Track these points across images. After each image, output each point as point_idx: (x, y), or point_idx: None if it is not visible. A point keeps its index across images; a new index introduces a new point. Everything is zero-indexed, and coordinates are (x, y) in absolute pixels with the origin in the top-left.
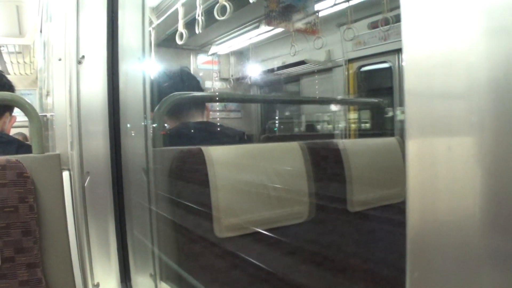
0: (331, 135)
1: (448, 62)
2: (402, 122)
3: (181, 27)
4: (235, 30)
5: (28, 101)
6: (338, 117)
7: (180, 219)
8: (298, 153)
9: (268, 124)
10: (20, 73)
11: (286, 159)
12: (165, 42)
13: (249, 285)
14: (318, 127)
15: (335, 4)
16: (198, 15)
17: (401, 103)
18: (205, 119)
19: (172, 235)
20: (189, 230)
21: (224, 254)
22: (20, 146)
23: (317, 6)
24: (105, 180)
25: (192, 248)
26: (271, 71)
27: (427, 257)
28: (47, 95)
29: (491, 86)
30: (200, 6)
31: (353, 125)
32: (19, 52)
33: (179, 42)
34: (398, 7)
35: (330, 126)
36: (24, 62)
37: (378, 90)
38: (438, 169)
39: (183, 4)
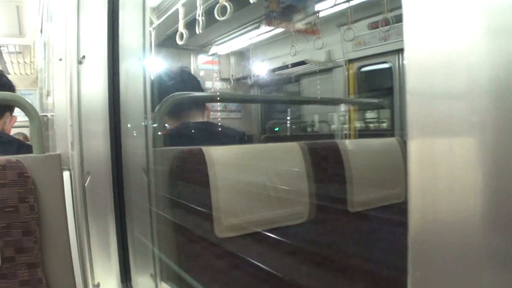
0: (331, 135)
1: (449, 62)
2: (402, 122)
3: (181, 27)
4: (236, 30)
5: (29, 101)
6: (338, 117)
7: (180, 219)
8: (298, 153)
9: (269, 125)
10: (20, 73)
11: (286, 160)
12: (166, 42)
13: (249, 285)
14: (319, 127)
15: (335, 5)
16: (199, 15)
17: (401, 104)
18: (205, 119)
19: (172, 235)
20: (189, 230)
21: (224, 254)
22: (21, 146)
23: (317, 7)
24: (106, 180)
25: (192, 248)
26: (272, 71)
27: (428, 257)
28: (48, 95)
29: (493, 87)
30: (200, 6)
31: (353, 126)
32: (20, 52)
33: (179, 42)
34: (398, 7)
35: (329, 127)
36: (25, 62)
37: (379, 90)
38: (439, 169)
39: (183, 4)
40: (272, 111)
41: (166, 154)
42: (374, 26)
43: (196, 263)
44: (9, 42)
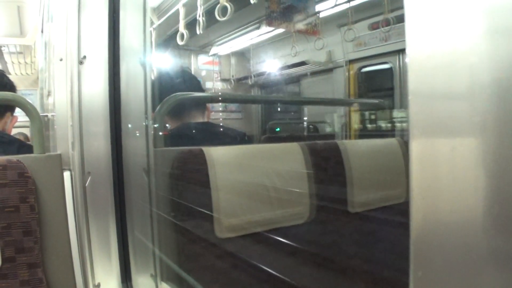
0: (332, 136)
1: (451, 62)
2: (403, 123)
3: (182, 28)
4: (236, 30)
5: (29, 101)
6: (338, 118)
7: (181, 219)
8: (298, 153)
9: (269, 125)
10: (21, 73)
11: (286, 160)
12: (166, 42)
13: (249, 286)
14: (319, 128)
15: (335, 5)
16: (199, 16)
17: (402, 104)
18: (206, 120)
19: (173, 235)
20: (189, 231)
21: (224, 254)
22: (21, 146)
23: (318, 7)
24: (106, 180)
25: (192, 249)
26: (272, 72)
27: (430, 257)
28: (48, 95)
29: (495, 87)
30: (201, 7)
31: (353, 126)
32: (20, 52)
33: (180, 42)
34: (398, 8)
35: (330, 127)
36: (25, 62)
37: (379, 91)
38: (441, 170)
39: (184, 5)
40: (272, 112)
41: (166, 154)
42: (374, 26)
43: (196, 264)
44: (10, 42)
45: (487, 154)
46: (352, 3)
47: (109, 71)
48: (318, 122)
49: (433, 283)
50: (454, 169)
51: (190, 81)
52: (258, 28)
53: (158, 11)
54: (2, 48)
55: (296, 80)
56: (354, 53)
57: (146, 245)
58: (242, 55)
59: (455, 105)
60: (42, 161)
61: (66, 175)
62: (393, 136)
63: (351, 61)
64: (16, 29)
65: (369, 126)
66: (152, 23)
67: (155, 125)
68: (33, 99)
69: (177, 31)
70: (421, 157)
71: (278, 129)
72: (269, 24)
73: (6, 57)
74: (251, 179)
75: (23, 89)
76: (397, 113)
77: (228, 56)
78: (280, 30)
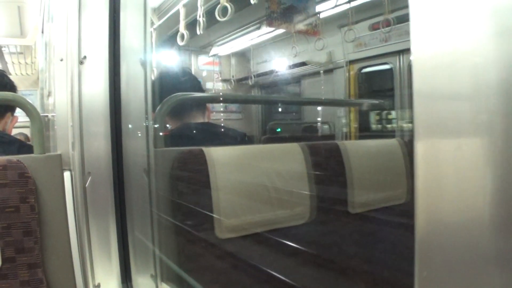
0: (332, 137)
1: (456, 63)
2: (403, 123)
3: (182, 28)
4: (236, 31)
5: (30, 101)
6: (338, 118)
7: (181, 219)
8: (299, 154)
9: (269, 126)
10: (21, 73)
11: (287, 160)
12: (167, 43)
13: (250, 286)
14: (320, 128)
15: (336, 6)
16: (200, 16)
17: (402, 105)
18: (206, 120)
19: (173, 235)
20: (190, 231)
21: (225, 255)
22: (22, 146)
23: (318, 8)
24: (106, 181)
25: (193, 249)
26: (272, 72)
27: (435, 257)
28: (49, 95)
29: (500, 87)
30: (201, 7)
31: (353, 127)
32: (21, 53)
33: (180, 43)
34: (399, 8)
35: (330, 128)
36: (26, 62)
37: (379, 91)
38: (446, 170)
39: (184, 5)
40: (272, 112)
41: (167, 154)
42: (375, 27)
43: (196, 264)
44: (10, 43)
45: (492, 154)
46: (353, 4)
47: (110, 71)
48: (319, 123)
49: (438, 283)
50: (458, 169)
51: (190, 81)
52: (258, 28)
53: (159, 11)
54: (3, 49)
55: (296, 80)
56: (354, 54)
57: (146, 245)
58: (243, 56)
59: (460, 105)
60: (42, 161)
61: (66, 175)
62: (393, 136)
63: (352, 62)
64: (16, 30)
65: (369, 126)
66: (152, 23)
67: (156, 125)
68: (34, 100)
69: (178, 31)
70: (426, 157)
71: (279, 130)
72: (270, 25)
73: (7, 57)
74: (251, 179)
75: (23, 90)
76: (397, 114)
77: (228, 56)
78: (281, 31)
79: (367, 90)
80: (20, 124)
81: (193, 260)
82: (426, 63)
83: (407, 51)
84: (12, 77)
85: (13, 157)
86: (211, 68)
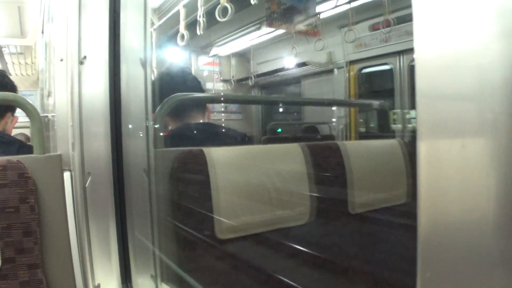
0: (331, 137)
1: (459, 63)
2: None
3: (182, 29)
4: (236, 31)
5: (30, 101)
6: (339, 119)
7: (181, 220)
8: (299, 154)
9: (269, 126)
10: (21, 73)
11: (287, 161)
12: (167, 43)
13: (250, 287)
14: (320, 129)
15: (336, 6)
16: (200, 17)
17: (402, 105)
18: (206, 120)
19: (173, 236)
20: (190, 232)
21: (225, 255)
22: (21, 146)
23: (318, 8)
24: (106, 181)
25: (193, 250)
26: (272, 72)
27: (438, 258)
28: (49, 95)
29: (504, 87)
30: (201, 8)
31: (353, 127)
32: (21, 53)
33: (180, 43)
34: (399, 9)
35: (330, 128)
36: (26, 62)
37: (380, 92)
38: (449, 170)
39: (184, 6)
40: (272, 113)
41: (167, 155)
42: (375, 27)
43: (196, 264)
44: (10, 43)
45: (495, 155)
46: (353, 4)
47: (110, 72)
48: (319, 123)
49: (442, 284)
50: (462, 170)
51: (190, 81)
52: (258, 29)
53: (159, 11)
54: (3, 49)
55: (296, 81)
56: (354, 54)
57: (146, 245)
58: (243, 56)
59: (463, 105)
60: (42, 162)
61: (66, 175)
62: (393, 137)
63: (352, 62)
64: (16, 30)
65: (369, 127)
66: (152, 23)
67: (156, 126)
68: (34, 100)
69: (178, 31)
70: (429, 157)
71: (280, 130)
72: (270, 25)
73: (7, 57)
74: (251, 180)
75: (23, 90)
76: (396, 114)
77: (228, 57)
78: (281, 31)
79: (367, 90)
80: (21, 124)
81: (193, 260)
82: (429, 63)
83: (407, 51)
84: (12, 78)
85: (13, 158)
86: (211, 69)
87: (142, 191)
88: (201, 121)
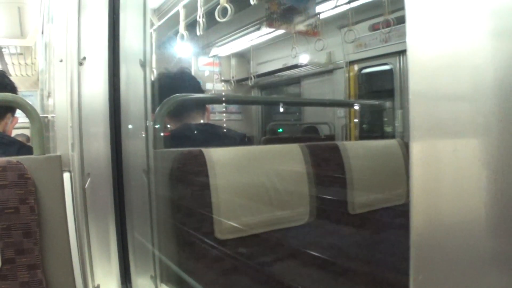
0: (331, 137)
1: (453, 63)
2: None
3: (182, 29)
4: (236, 32)
5: (29, 102)
6: (338, 119)
7: (180, 221)
8: (298, 155)
9: (269, 126)
10: (21, 74)
11: (286, 161)
12: (166, 43)
13: (250, 287)
14: (320, 129)
15: (336, 6)
16: (199, 17)
17: (402, 105)
18: (205, 121)
19: (172, 236)
20: (189, 232)
21: (224, 256)
22: (21, 147)
23: (318, 8)
24: (106, 182)
25: (192, 250)
26: (272, 73)
27: (431, 260)
28: (48, 96)
29: (497, 88)
30: (201, 8)
31: (353, 127)
32: (21, 54)
33: (180, 43)
34: (399, 9)
35: (330, 129)
36: (26, 63)
37: (379, 92)
38: (442, 171)
39: (184, 6)
40: (272, 113)
41: (166, 155)
42: (375, 27)
43: (196, 265)
44: (10, 43)
45: (488, 156)
46: (353, 4)
47: (109, 72)
48: (318, 124)
49: (434, 286)
50: (455, 171)
51: (190, 82)
52: (258, 29)
53: (159, 12)
54: (3, 49)
55: (296, 81)
56: (354, 54)
57: (145, 246)
58: (243, 56)
59: (456, 106)
60: (42, 162)
61: (66, 176)
62: (393, 137)
63: (352, 62)
64: (16, 30)
65: (369, 127)
66: (152, 24)
67: (155, 126)
68: (34, 100)
69: (177, 32)
70: (422, 158)
71: (281, 130)
72: (270, 25)
73: (7, 58)
74: (251, 180)
75: (23, 90)
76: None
77: (228, 57)
78: (281, 31)
79: (367, 90)
80: (21, 125)
81: (192, 261)
82: (422, 64)
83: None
84: (13, 78)
85: (13, 158)
86: (211, 69)
87: (141, 191)
88: (200, 121)
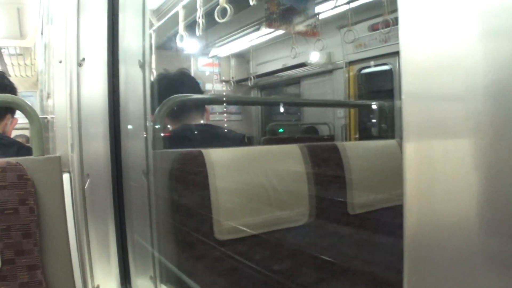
0: (331, 138)
1: (446, 64)
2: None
3: (181, 30)
4: (236, 32)
5: (29, 103)
6: (338, 119)
7: (180, 221)
8: (298, 155)
9: (269, 127)
10: (21, 75)
11: (286, 162)
12: (166, 44)
13: None
14: (320, 129)
15: (335, 7)
16: (199, 18)
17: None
18: (205, 121)
19: (172, 237)
20: (189, 233)
21: (224, 256)
22: (21, 148)
23: (317, 9)
24: (105, 182)
25: (192, 251)
26: (272, 73)
27: (425, 261)
28: (48, 97)
29: (489, 89)
30: (200, 9)
31: (353, 127)
32: (20, 54)
33: (179, 44)
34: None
35: (330, 129)
36: (25, 64)
37: (379, 92)
38: (435, 172)
39: (183, 7)
40: (272, 114)
41: (165, 156)
42: (375, 28)
43: (196, 266)
44: (10, 44)
45: (481, 156)
46: (352, 5)
47: (108, 73)
48: (318, 124)
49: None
50: (448, 171)
51: (189, 82)
52: (258, 29)
53: (158, 13)
54: (2, 50)
55: (296, 81)
56: (354, 55)
57: (145, 247)
58: (242, 57)
59: (450, 106)
60: (41, 163)
61: (65, 177)
62: (393, 137)
63: (351, 63)
64: (16, 31)
65: (369, 127)
66: (151, 25)
67: (155, 127)
68: (33, 101)
69: (177, 32)
70: (415, 159)
71: (281, 130)
72: (269, 26)
73: (6, 59)
74: (250, 181)
75: (23, 91)
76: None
77: (228, 57)
78: (280, 32)
79: (367, 91)
80: (21, 126)
81: (192, 261)
82: (415, 64)
83: None
84: (12, 79)
85: (12, 159)
86: (211, 70)
87: (141, 192)
88: (200, 122)
